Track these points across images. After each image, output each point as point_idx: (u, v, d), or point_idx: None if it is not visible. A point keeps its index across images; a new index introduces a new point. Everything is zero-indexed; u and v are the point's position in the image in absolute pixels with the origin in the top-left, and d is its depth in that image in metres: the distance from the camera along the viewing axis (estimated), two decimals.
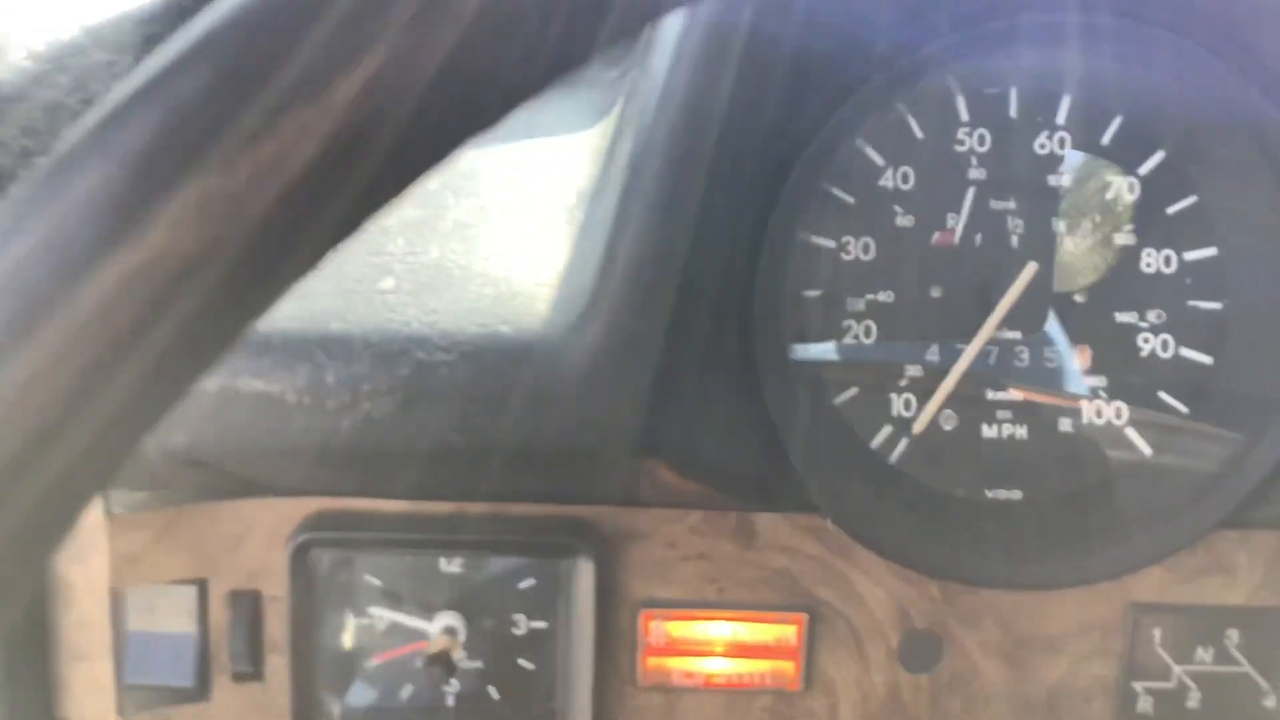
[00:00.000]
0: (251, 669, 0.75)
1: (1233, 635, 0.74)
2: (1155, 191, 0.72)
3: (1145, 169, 0.72)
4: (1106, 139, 0.72)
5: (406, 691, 0.78)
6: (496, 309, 0.63)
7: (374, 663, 0.77)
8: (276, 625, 0.75)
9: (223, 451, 0.64)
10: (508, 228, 0.66)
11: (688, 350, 0.66)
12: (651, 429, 0.66)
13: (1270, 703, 0.74)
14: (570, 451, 0.64)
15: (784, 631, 0.75)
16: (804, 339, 0.73)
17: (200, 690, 0.76)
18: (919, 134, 0.72)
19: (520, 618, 0.77)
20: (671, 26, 0.62)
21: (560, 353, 0.62)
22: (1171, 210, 0.72)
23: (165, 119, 0.24)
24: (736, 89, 0.61)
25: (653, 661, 0.76)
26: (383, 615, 0.77)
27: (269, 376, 0.61)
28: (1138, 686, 0.75)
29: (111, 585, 0.72)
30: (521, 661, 0.77)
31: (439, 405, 0.61)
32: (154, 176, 0.23)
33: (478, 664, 0.77)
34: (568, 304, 0.63)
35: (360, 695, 0.78)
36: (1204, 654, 0.74)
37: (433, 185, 0.67)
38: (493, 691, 0.78)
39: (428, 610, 0.76)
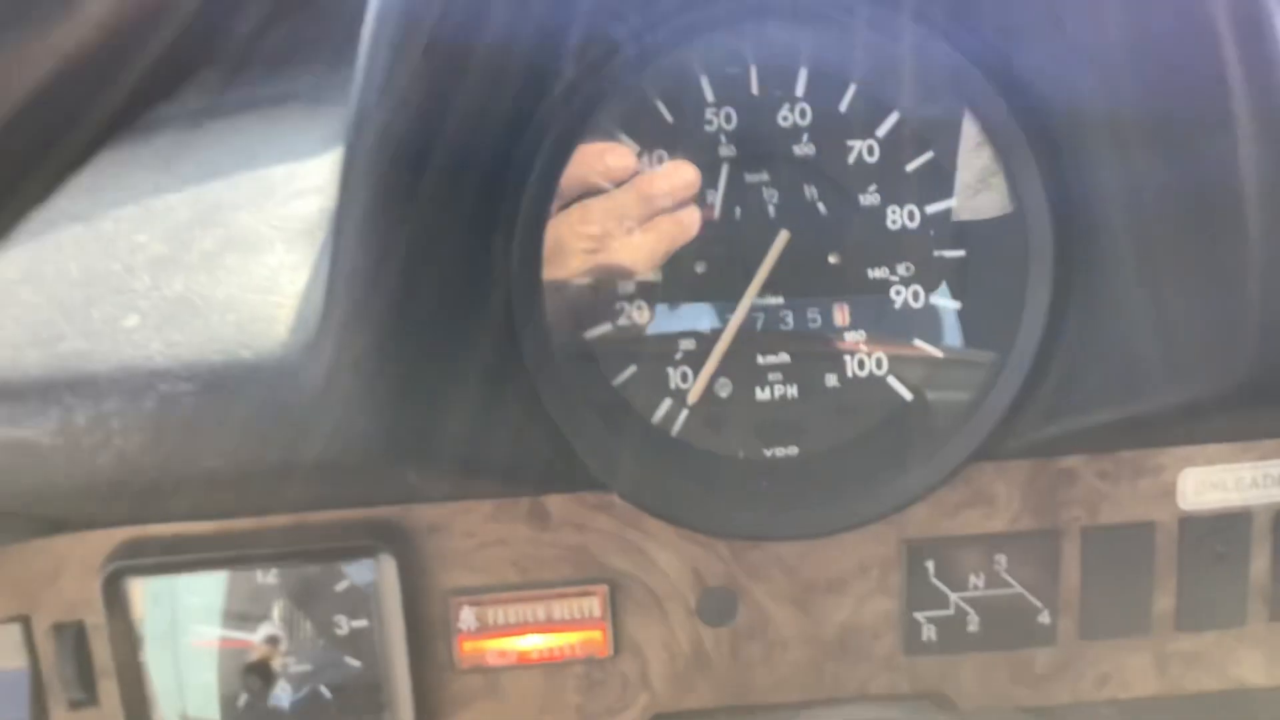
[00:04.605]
0: (84, 695, 0.78)
1: (1001, 560, 0.79)
2: (894, 151, 0.75)
3: (883, 131, 0.75)
4: (844, 106, 0.75)
5: (243, 700, 0.81)
6: (238, 335, 0.65)
7: (203, 676, 0.80)
8: (103, 652, 0.77)
9: None
10: (253, 256, 0.68)
11: (448, 355, 0.68)
12: (425, 435, 0.69)
13: (1044, 618, 0.80)
14: (323, 465, 0.66)
15: (588, 604, 0.79)
16: (579, 325, 0.76)
17: None
18: (669, 118, 0.75)
19: (342, 618, 0.80)
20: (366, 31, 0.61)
21: (297, 372, 0.64)
22: (910, 168, 0.76)
23: None
24: (449, 89, 0.62)
25: (468, 645, 0.79)
26: (206, 631, 0.80)
27: (21, 423, 0.63)
28: (920, 617, 0.80)
29: None
30: (348, 659, 0.80)
31: (187, 434, 0.63)
32: None
33: (306, 667, 0.80)
34: (304, 324, 0.65)
35: (196, 708, 0.81)
36: (976, 580, 0.79)
37: (181, 218, 0.69)
38: (324, 691, 0.81)
39: (249, 622, 0.79)
